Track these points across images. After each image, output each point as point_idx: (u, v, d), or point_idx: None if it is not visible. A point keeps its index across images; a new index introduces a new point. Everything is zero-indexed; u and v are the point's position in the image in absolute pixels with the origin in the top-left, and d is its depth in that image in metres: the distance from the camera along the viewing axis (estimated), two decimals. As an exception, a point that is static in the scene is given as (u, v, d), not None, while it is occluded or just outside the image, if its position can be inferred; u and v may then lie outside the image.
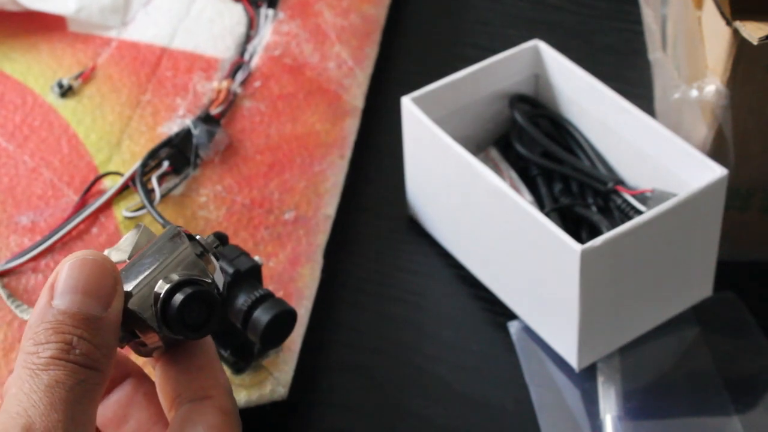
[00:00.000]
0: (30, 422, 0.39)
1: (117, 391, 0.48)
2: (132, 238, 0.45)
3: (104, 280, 0.42)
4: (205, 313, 0.43)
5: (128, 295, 0.42)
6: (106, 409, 0.48)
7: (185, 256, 0.44)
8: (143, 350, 0.44)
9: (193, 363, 0.45)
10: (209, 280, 0.43)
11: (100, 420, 0.48)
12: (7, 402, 0.40)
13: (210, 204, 0.71)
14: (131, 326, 0.43)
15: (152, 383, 0.46)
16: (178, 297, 0.42)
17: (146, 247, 0.44)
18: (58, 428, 0.39)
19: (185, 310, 0.42)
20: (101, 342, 0.41)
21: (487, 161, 0.73)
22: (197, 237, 0.45)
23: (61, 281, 0.41)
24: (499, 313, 0.70)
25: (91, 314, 0.41)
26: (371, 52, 0.84)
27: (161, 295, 0.42)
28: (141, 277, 0.43)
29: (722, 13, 0.63)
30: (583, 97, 0.72)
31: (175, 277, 0.43)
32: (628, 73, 0.84)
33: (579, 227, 0.69)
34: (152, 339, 0.43)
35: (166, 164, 0.72)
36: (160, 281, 0.43)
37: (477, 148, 0.74)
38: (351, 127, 0.78)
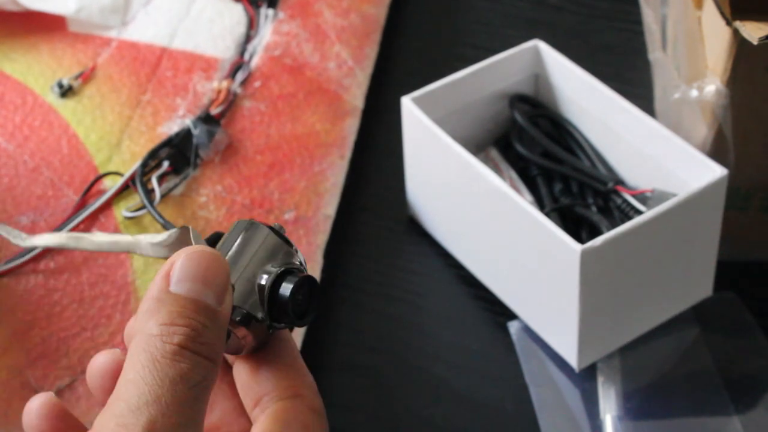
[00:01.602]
0: (153, 420, 0.37)
1: (218, 398, 0.47)
2: (174, 236, 0.45)
3: (220, 274, 0.41)
4: (307, 298, 0.43)
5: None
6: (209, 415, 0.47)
7: (271, 245, 0.43)
8: (231, 348, 0.44)
9: (280, 361, 0.44)
10: (301, 265, 0.44)
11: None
12: (125, 388, 0.38)
13: (210, 204, 0.71)
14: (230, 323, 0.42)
15: (232, 374, 0.46)
16: (287, 286, 0.42)
17: (222, 244, 0.43)
18: (180, 428, 0.37)
19: (295, 299, 0.42)
20: (219, 335, 0.40)
21: (487, 161, 0.73)
22: (270, 225, 0.44)
23: (178, 269, 0.40)
24: (499, 313, 0.70)
25: (210, 305, 0.40)
26: (371, 52, 0.84)
27: (267, 286, 0.42)
28: (236, 273, 0.42)
29: (722, 13, 0.63)
30: (583, 97, 0.72)
31: (275, 267, 0.43)
32: (628, 73, 0.84)
33: (579, 227, 0.69)
34: (243, 335, 0.43)
35: (166, 164, 0.72)
36: (262, 274, 0.43)
37: (477, 148, 0.74)
38: (351, 127, 0.78)
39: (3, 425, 0.60)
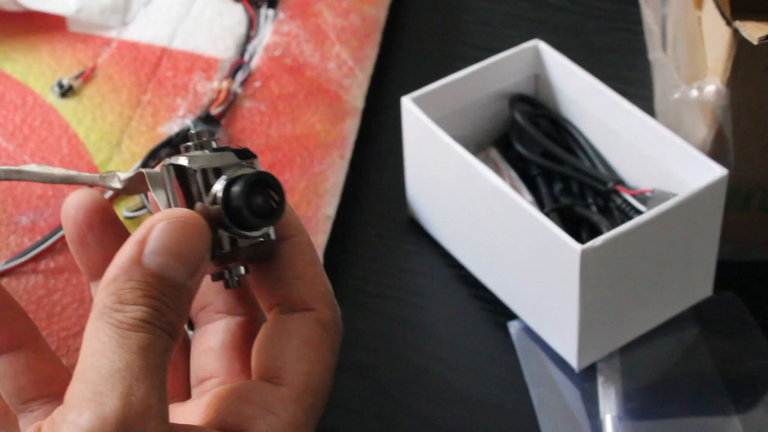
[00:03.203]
0: (128, 385, 0.36)
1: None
2: (132, 179, 0.44)
3: (197, 246, 0.40)
4: (270, 197, 0.42)
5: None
6: None
7: (227, 161, 0.42)
8: (230, 280, 0.42)
9: (291, 270, 0.43)
10: (246, 163, 0.42)
11: None
12: (94, 358, 0.37)
13: (210, 204, 0.71)
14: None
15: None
16: (236, 188, 0.41)
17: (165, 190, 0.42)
18: (154, 395, 0.37)
19: (250, 199, 0.41)
20: (183, 311, 0.39)
21: (487, 161, 0.73)
22: (192, 145, 0.43)
23: (154, 239, 0.39)
24: (499, 313, 0.70)
25: (179, 281, 0.39)
26: (371, 52, 0.84)
27: (219, 194, 0.41)
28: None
29: (722, 13, 0.63)
30: (583, 97, 0.72)
31: (220, 184, 0.41)
32: (628, 73, 0.84)
33: (579, 227, 0.69)
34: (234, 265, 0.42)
35: (166, 164, 0.72)
36: (215, 184, 0.41)
37: (477, 148, 0.74)
38: (351, 127, 0.78)
39: (3, 425, 0.60)
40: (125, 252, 0.39)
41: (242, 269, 0.43)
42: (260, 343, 0.42)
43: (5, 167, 0.44)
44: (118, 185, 0.44)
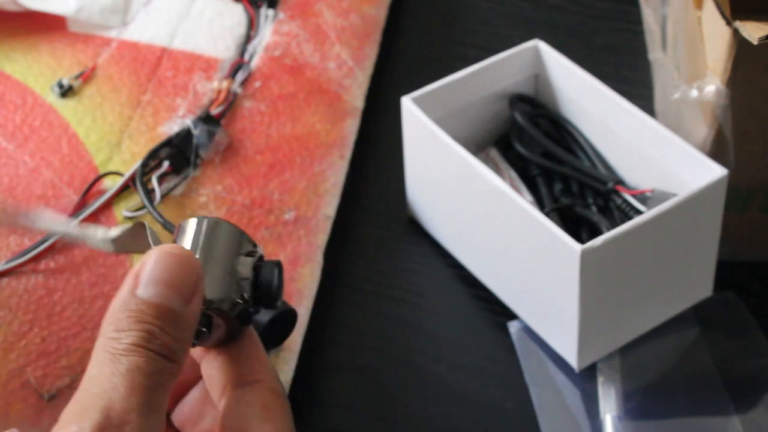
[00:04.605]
0: (110, 403, 0.40)
1: (193, 390, 0.50)
2: (127, 232, 0.46)
3: (189, 276, 0.43)
4: (280, 280, 0.47)
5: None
6: (184, 407, 0.50)
7: (234, 237, 0.46)
8: (199, 342, 0.46)
9: (241, 351, 0.47)
10: (260, 248, 0.47)
11: (178, 418, 0.50)
12: (86, 382, 0.41)
13: (210, 204, 0.71)
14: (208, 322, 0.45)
15: None
16: (271, 270, 0.46)
17: (192, 242, 0.46)
18: (135, 411, 0.40)
19: (281, 281, 0.46)
20: (179, 336, 0.42)
21: (487, 161, 0.73)
22: (212, 218, 0.47)
23: (146, 272, 0.42)
24: (499, 313, 0.70)
25: (173, 308, 0.42)
26: (371, 52, 0.84)
27: (251, 278, 0.45)
28: (216, 267, 0.45)
29: (722, 13, 0.63)
30: (583, 97, 0.72)
31: (250, 257, 0.46)
32: (628, 73, 0.84)
33: (579, 227, 0.69)
34: (219, 331, 0.46)
35: (166, 164, 0.72)
36: (239, 266, 0.45)
37: (477, 148, 0.74)
38: (351, 127, 0.78)
39: (3, 425, 0.60)
40: (123, 287, 0.42)
41: (205, 329, 0.46)
42: (224, 419, 0.46)
43: (15, 213, 0.47)
44: (110, 247, 0.47)
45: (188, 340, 0.43)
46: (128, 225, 0.47)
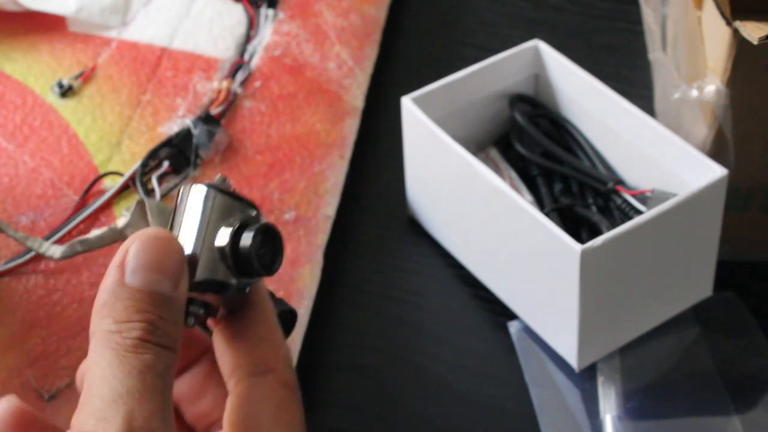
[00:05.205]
0: (130, 410, 0.38)
1: (195, 367, 0.47)
2: (134, 215, 0.45)
3: (174, 259, 0.41)
4: (271, 247, 0.43)
5: (193, 262, 0.42)
6: (183, 385, 0.47)
7: (221, 205, 0.43)
8: (198, 323, 0.44)
9: (253, 333, 0.44)
10: (255, 214, 0.43)
11: (176, 395, 0.47)
12: (96, 385, 0.39)
13: (210, 204, 0.71)
14: (198, 296, 0.42)
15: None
16: (246, 237, 0.42)
17: (172, 219, 0.43)
18: (156, 418, 0.38)
19: (259, 248, 0.42)
20: (177, 321, 0.41)
21: (487, 161, 0.73)
22: (213, 182, 0.44)
23: (132, 259, 0.40)
24: (499, 313, 0.70)
25: (166, 293, 0.40)
26: (371, 52, 0.84)
27: (227, 246, 0.42)
28: (197, 244, 0.42)
29: (722, 13, 0.63)
30: (583, 97, 0.72)
31: (229, 226, 0.42)
32: (628, 73, 0.84)
33: (579, 227, 0.69)
34: (214, 300, 0.43)
35: (166, 164, 0.72)
36: (219, 234, 0.42)
37: (477, 148, 0.74)
38: (351, 127, 0.78)
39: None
40: (108, 279, 0.40)
41: (201, 310, 0.43)
42: (234, 415, 0.44)
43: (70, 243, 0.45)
44: (125, 236, 0.45)
45: (181, 324, 0.41)
46: (131, 207, 0.45)
